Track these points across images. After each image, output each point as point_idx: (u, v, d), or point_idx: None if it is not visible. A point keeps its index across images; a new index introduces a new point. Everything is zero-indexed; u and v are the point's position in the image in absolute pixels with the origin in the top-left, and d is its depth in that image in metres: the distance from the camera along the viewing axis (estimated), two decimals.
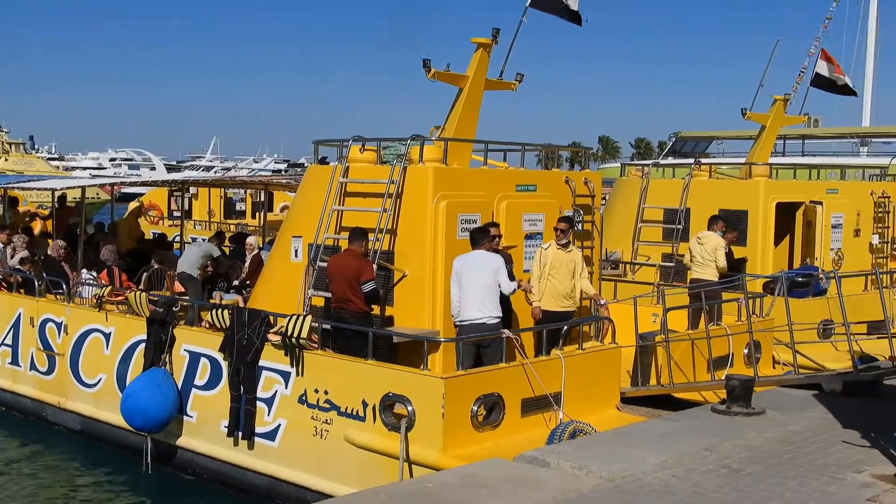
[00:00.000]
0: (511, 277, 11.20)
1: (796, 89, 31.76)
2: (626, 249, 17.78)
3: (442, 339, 10.21)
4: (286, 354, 10.53)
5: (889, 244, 18.75)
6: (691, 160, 20.24)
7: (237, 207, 34.23)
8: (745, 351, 12.35)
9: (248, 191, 31.68)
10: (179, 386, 11.90)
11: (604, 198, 20.55)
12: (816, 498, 6.72)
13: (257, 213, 27.81)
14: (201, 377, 11.70)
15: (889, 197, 18.73)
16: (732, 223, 16.21)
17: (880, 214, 18.60)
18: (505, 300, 10.83)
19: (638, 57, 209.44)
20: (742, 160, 20.20)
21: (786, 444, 8.04)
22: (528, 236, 12.03)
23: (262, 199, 23.04)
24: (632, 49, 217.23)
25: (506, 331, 9.98)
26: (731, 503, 6.57)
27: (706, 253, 13.94)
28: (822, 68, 22.16)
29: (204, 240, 16.28)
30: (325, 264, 11.09)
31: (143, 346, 12.35)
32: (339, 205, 11.76)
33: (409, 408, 9.35)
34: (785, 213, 17.17)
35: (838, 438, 8.20)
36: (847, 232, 17.79)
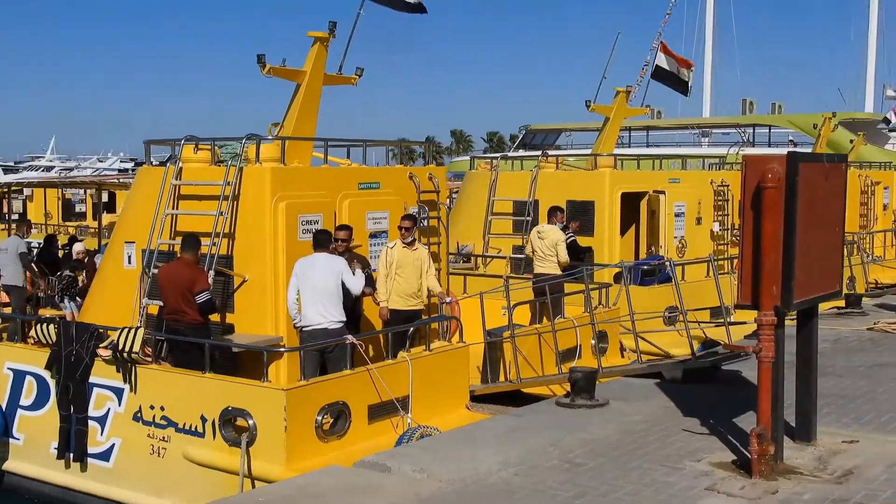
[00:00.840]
0: (370, 281, 10.95)
1: (640, 82, 32.73)
2: (477, 242, 17.81)
3: (282, 349, 9.86)
4: (118, 370, 9.93)
5: (729, 231, 19.45)
6: (539, 152, 20.46)
7: (76, 209, 32.54)
8: (593, 342, 12.48)
9: (89, 191, 30.21)
10: (3, 407, 11.10)
11: (457, 191, 20.60)
12: (656, 489, 6.73)
13: (98, 215, 26.44)
14: (27, 397, 10.93)
15: (728, 185, 19.41)
16: (579, 213, 16.46)
17: (720, 202, 19.27)
18: (353, 302, 10.56)
19: (490, 50, 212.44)
20: (589, 151, 20.55)
21: (628, 435, 8.07)
22: (373, 235, 11.79)
23: (100, 199, 21.90)
24: (484, 42, 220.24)
25: (349, 336, 9.68)
26: (571, 499, 6.51)
27: (546, 247, 13.98)
28: (662, 61, 22.83)
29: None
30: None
31: None
32: (173, 208, 11.24)
33: (250, 421, 8.96)
34: (630, 203, 17.56)
35: (679, 427, 8.29)
36: (689, 220, 18.34)
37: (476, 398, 11.21)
